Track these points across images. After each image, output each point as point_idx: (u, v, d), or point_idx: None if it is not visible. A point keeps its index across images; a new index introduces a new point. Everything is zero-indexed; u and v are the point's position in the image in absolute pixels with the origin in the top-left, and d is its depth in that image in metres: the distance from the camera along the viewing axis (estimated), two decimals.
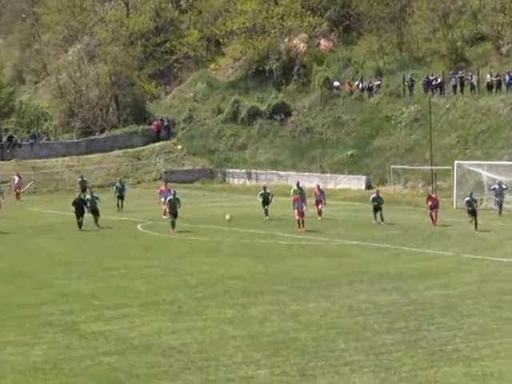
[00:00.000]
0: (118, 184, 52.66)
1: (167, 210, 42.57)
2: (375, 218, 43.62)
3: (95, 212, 43.53)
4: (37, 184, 68.47)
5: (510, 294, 25.10)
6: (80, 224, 42.29)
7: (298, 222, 40.98)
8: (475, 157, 56.08)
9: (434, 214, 42.57)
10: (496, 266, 30.41)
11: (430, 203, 43.04)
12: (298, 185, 47.90)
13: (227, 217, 34.41)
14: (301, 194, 42.97)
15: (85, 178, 60.55)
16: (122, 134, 77.58)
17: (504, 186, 48.05)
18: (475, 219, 40.14)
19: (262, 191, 46.30)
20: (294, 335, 20.17)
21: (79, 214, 42.51)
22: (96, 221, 43.27)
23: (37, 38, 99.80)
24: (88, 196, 44.58)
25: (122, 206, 51.05)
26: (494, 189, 48.33)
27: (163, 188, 49.16)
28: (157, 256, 33.85)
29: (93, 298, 25.04)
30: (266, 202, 45.54)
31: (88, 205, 43.47)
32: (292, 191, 46.63)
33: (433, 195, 46.07)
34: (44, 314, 22.89)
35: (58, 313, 23.05)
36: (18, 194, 62.03)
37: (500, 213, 47.49)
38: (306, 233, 40.00)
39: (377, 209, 43.64)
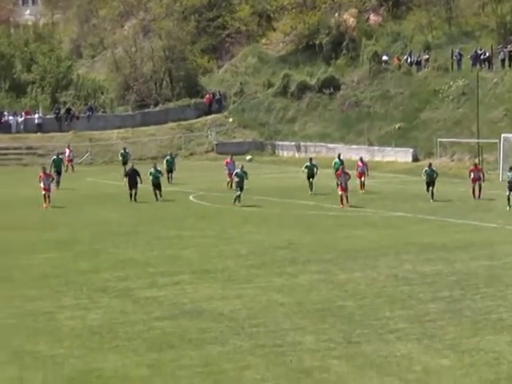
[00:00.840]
0: (168, 157, 52.24)
1: (234, 182, 41.47)
2: (431, 196, 40.51)
3: (158, 186, 42.14)
4: (93, 155, 69.09)
5: None
6: (132, 195, 41.43)
7: (341, 197, 39.15)
8: None
9: (476, 187, 41.30)
10: None
11: (472, 175, 41.86)
12: (339, 157, 47.40)
13: (248, 157, 31.86)
14: (343, 168, 41.55)
15: (127, 150, 59.15)
16: (175, 107, 77.82)
17: None
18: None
19: (308, 163, 44.65)
20: (340, 303, 20.26)
21: (131, 185, 41.50)
22: (160, 195, 41.94)
23: (94, 13, 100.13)
24: (152, 170, 42.89)
25: (171, 178, 50.60)
26: None
27: (228, 160, 48.77)
28: (208, 226, 34.04)
29: (147, 266, 25.35)
30: (310, 174, 44.01)
31: (151, 178, 42.25)
32: (334, 164, 46.09)
33: (477, 166, 44.34)
34: (100, 280, 23.27)
35: (114, 279, 23.40)
36: (71, 166, 60.76)
37: None
38: (353, 204, 39.82)
39: (429, 184, 40.88)
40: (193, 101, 78.34)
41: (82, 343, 17.03)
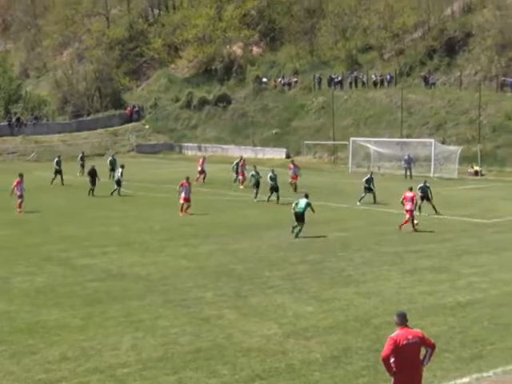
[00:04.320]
0: (110, 158, 48.16)
1: (268, 185, 35.58)
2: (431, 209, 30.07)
3: (118, 183, 38.10)
4: (39, 154, 66.97)
5: (388, 235, 25.54)
6: (91, 191, 37.91)
7: (182, 206, 31.03)
8: (365, 135, 56.52)
9: (294, 182, 36.81)
10: (380, 215, 30.77)
11: (290, 172, 39.32)
12: (241, 158, 43.63)
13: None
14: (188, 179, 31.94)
15: (85, 154, 53.51)
16: (104, 116, 76.28)
17: (412, 157, 47.73)
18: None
19: (253, 172, 37.28)
20: (232, 266, 20.28)
21: (93, 183, 38.18)
22: (117, 191, 37.80)
23: (39, 43, 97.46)
24: (119, 169, 38.69)
25: (113, 176, 47.48)
26: (405, 159, 47.89)
27: (202, 160, 45.11)
28: (130, 208, 33.58)
29: (82, 240, 24.80)
30: (257, 184, 36.32)
31: (113, 175, 38.23)
32: (235, 164, 43.41)
33: (294, 163, 41.28)
34: (45, 252, 22.64)
35: (56, 251, 22.81)
36: None
37: (410, 177, 45.79)
38: (241, 191, 39.63)
39: (423, 198, 30.08)
40: (117, 112, 77.02)
41: (31, 301, 16.55)
